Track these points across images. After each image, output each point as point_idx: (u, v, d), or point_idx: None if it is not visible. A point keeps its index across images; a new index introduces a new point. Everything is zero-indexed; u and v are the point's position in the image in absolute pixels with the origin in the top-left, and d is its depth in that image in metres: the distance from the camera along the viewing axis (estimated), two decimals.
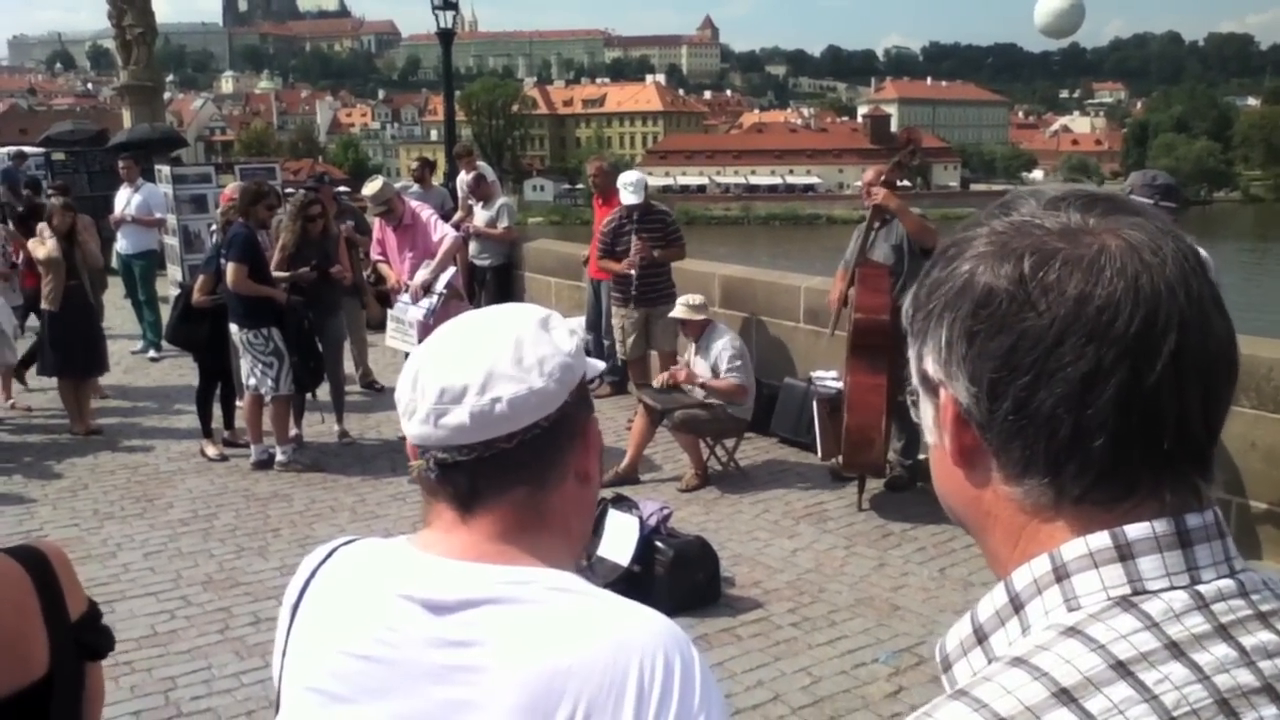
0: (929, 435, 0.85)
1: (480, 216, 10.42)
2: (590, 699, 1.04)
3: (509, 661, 1.07)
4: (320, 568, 1.25)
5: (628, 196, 7.98)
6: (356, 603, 1.16)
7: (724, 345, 6.75)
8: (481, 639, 1.09)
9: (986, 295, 0.77)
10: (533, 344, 1.14)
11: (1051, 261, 0.75)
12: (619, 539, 5.23)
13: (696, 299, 6.95)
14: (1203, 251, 0.88)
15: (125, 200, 11.25)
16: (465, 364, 1.13)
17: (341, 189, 10.54)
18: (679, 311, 6.92)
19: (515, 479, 1.14)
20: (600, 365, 1.25)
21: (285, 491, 6.95)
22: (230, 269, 6.98)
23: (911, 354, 0.85)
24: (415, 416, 1.15)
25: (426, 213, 7.79)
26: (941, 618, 4.97)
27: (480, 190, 10.44)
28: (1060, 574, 0.76)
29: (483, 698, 1.07)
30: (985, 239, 0.79)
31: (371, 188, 7.70)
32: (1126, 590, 0.74)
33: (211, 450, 7.61)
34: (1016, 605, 0.78)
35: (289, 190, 8.93)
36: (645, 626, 1.11)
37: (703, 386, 6.73)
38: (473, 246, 10.15)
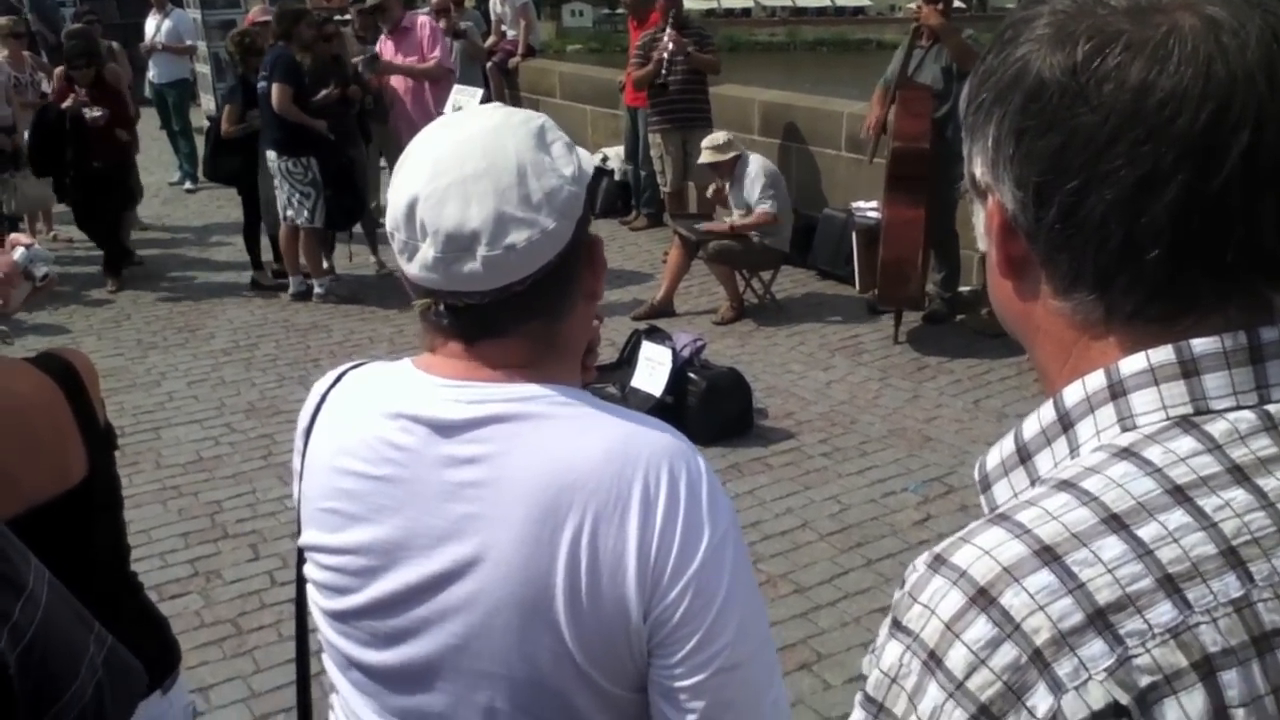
0: (980, 243, 0.79)
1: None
2: (597, 510, 1.06)
3: (518, 476, 1.08)
4: (330, 391, 1.25)
5: None
6: (367, 425, 1.16)
7: (756, 174, 6.56)
8: (490, 455, 1.09)
9: (1037, 87, 0.69)
10: (537, 173, 1.07)
11: (1111, 47, 0.67)
12: (652, 370, 5.25)
13: (720, 137, 6.71)
14: None
15: (155, 27, 11.01)
16: (470, 206, 1.06)
17: None
18: (705, 157, 6.67)
19: (530, 314, 1.12)
20: (592, 162, 1.17)
21: (324, 323, 7.02)
22: (275, 90, 6.83)
23: (965, 153, 0.78)
24: (417, 260, 1.09)
25: (430, 28, 7.59)
26: (973, 449, 4.98)
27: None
28: (1116, 391, 0.70)
29: (494, 511, 1.08)
30: (1045, 20, 0.71)
31: None
32: (1188, 409, 0.68)
33: (261, 280, 7.70)
34: (1065, 424, 0.73)
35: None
36: (651, 439, 1.11)
37: (733, 227, 6.61)
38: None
